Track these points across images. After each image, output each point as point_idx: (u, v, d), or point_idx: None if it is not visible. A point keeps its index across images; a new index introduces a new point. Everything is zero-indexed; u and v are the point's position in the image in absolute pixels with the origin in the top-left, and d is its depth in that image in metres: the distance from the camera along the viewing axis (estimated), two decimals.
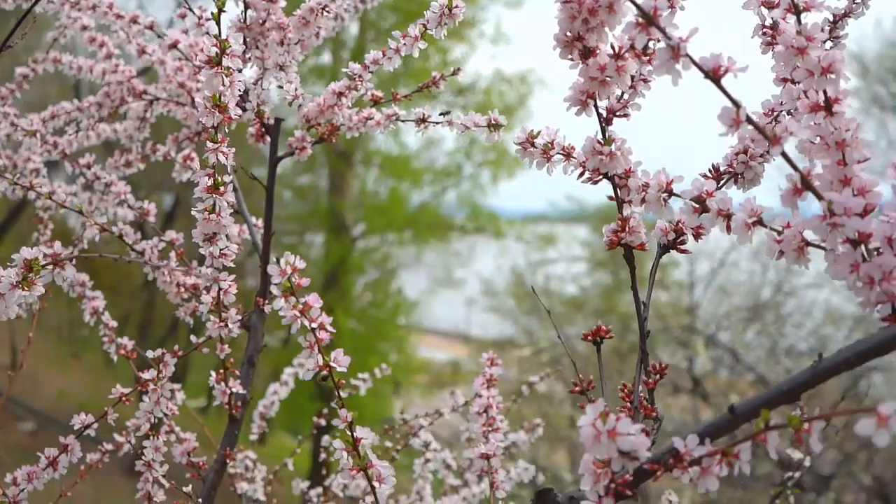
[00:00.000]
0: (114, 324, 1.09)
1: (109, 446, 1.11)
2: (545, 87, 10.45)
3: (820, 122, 0.54)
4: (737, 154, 0.68)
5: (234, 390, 0.97)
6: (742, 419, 0.51)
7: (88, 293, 1.11)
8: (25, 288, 0.67)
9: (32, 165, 1.27)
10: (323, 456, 1.44)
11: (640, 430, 0.50)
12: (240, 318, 0.91)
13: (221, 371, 0.95)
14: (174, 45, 1.05)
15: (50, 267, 0.66)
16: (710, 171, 0.69)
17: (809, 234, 0.55)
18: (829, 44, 0.71)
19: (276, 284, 0.61)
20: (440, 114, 0.94)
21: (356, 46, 9.48)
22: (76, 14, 1.20)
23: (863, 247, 0.53)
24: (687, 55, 0.50)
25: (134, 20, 1.09)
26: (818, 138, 0.54)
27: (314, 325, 0.62)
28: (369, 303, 11.69)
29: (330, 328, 0.62)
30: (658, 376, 0.64)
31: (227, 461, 0.99)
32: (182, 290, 1.02)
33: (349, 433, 0.65)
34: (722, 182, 0.69)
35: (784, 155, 0.51)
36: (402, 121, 0.97)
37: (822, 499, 5.33)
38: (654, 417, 0.62)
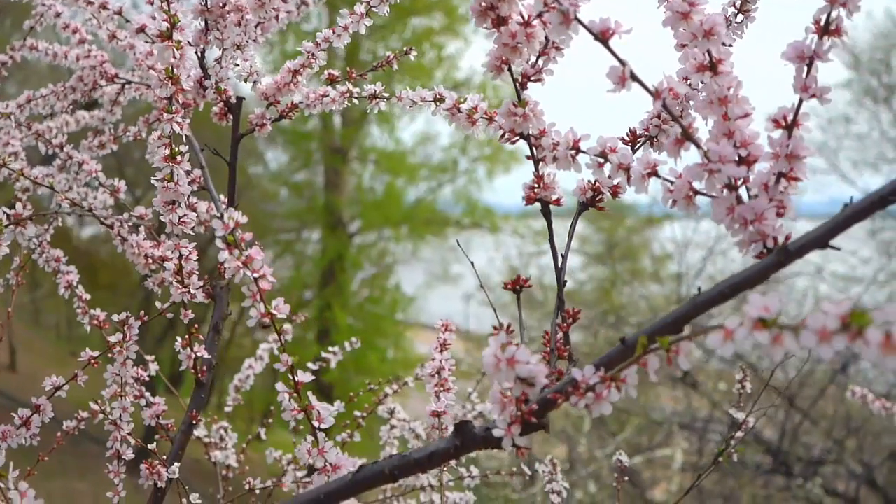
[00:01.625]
0: (87, 297, 1.14)
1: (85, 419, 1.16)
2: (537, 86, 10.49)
3: (706, 80, 0.59)
4: (651, 118, 0.73)
5: (199, 355, 1.02)
6: (632, 349, 0.56)
7: (63, 268, 1.16)
8: None
9: (11, 149, 1.32)
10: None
11: (537, 360, 0.56)
12: (202, 284, 0.96)
13: (187, 336, 1.01)
14: (142, 30, 1.10)
15: (12, 227, 0.71)
16: (627, 134, 0.74)
17: (698, 185, 0.60)
18: (740, 17, 0.76)
19: (219, 237, 0.66)
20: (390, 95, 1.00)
21: (350, 43, 9.52)
22: (50, 1, 1.25)
23: (744, 192, 0.58)
24: (576, 19, 0.55)
25: (103, 6, 1.14)
26: (704, 95, 0.59)
27: (257, 275, 0.67)
28: (366, 299, 11.74)
29: (271, 278, 0.67)
30: (571, 320, 0.69)
31: (194, 423, 1.04)
32: (150, 261, 1.08)
33: (291, 377, 0.70)
34: (639, 144, 0.74)
35: (665, 108, 0.56)
36: (357, 97, 1.02)
37: (810, 484, 5.39)
38: (569, 357, 0.67)
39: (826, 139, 9.05)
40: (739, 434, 1.10)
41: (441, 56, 11.59)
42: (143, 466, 1.00)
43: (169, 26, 0.76)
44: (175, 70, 0.78)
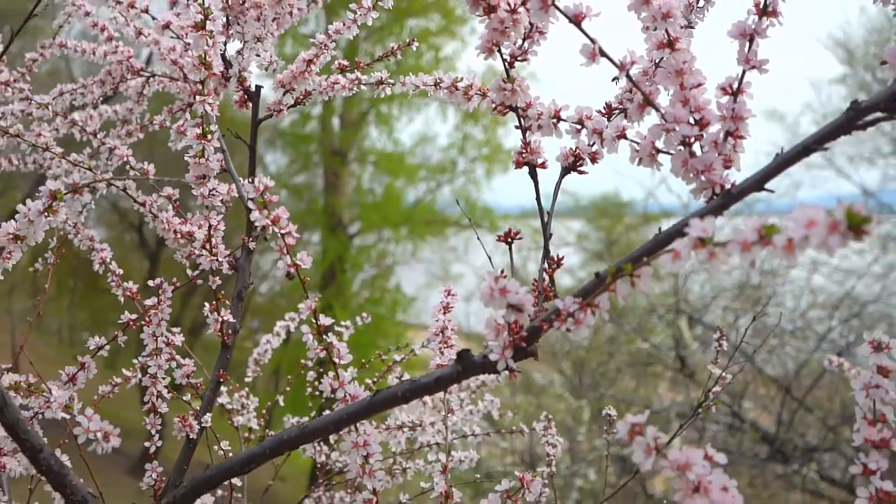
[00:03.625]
0: (120, 271, 1.25)
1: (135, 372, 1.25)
2: (537, 80, 10.60)
3: (665, 55, 0.70)
4: (624, 93, 0.84)
5: (225, 319, 1.13)
6: (604, 281, 0.67)
7: (97, 245, 1.27)
8: (50, 214, 0.83)
9: (42, 140, 1.43)
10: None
11: (525, 291, 0.66)
12: (228, 253, 1.07)
13: (214, 302, 1.12)
14: (167, 26, 1.21)
15: (70, 194, 0.82)
16: (603, 107, 0.85)
17: (659, 144, 0.71)
18: (701, 2, 0.87)
19: (251, 199, 0.77)
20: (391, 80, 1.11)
21: (349, 44, 9.64)
22: (80, 2, 1.36)
23: (698, 148, 0.69)
24: (554, 5, 0.66)
25: (131, 5, 1.25)
26: (663, 69, 0.70)
27: (283, 231, 0.78)
28: (367, 300, 11.83)
29: (296, 234, 0.78)
30: (556, 265, 0.80)
31: (221, 381, 1.15)
32: (178, 236, 1.18)
33: (314, 321, 0.81)
34: (613, 116, 0.85)
35: (629, 78, 0.67)
36: (364, 84, 1.13)
37: (806, 470, 5.50)
38: (554, 297, 0.78)
39: None
40: (717, 388, 1.21)
41: (438, 57, 11.70)
42: (176, 419, 1.11)
43: (203, 18, 0.87)
44: (207, 57, 0.88)
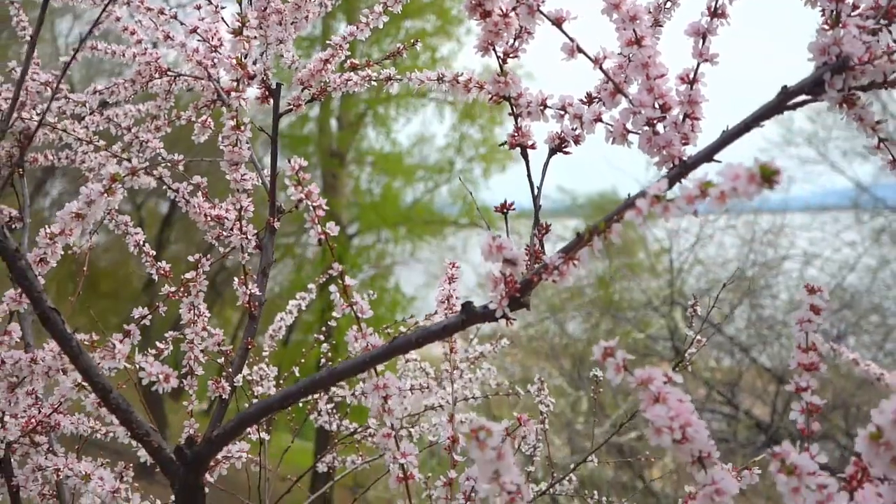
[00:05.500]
0: (153, 252, 1.39)
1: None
2: (533, 79, 10.75)
3: (633, 51, 0.84)
4: (601, 84, 0.98)
5: (252, 292, 1.26)
6: (582, 238, 0.80)
7: (131, 230, 1.40)
8: (110, 194, 0.96)
9: (83, 134, 1.57)
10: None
11: (519, 247, 0.80)
12: (256, 232, 1.21)
13: (243, 276, 1.25)
14: (194, 31, 1.34)
15: (129, 176, 0.95)
16: (585, 96, 0.99)
17: (629, 125, 0.85)
18: (668, 3, 1.01)
19: (287, 176, 0.90)
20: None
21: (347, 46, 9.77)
22: (112, 8, 1.49)
23: (661, 128, 0.83)
24: (539, 10, 0.80)
25: (161, 12, 1.39)
26: (631, 62, 0.84)
27: (314, 204, 0.92)
28: (366, 300, 11.96)
29: (325, 207, 0.92)
30: (545, 231, 0.94)
31: (249, 347, 1.28)
32: (208, 219, 1.32)
33: (341, 282, 0.94)
34: (594, 103, 0.98)
35: (602, 70, 0.80)
36: (374, 80, 1.27)
37: None
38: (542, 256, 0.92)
39: (816, 129, 9.27)
40: (692, 350, 1.35)
41: (435, 58, 11.84)
42: (210, 382, 1.24)
43: (240, 25, 1.00)
44: (243, 58, 1.02)
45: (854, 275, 8.07)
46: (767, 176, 0.57)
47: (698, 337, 1.36)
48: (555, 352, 7.78)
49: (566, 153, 0.98)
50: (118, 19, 1.51)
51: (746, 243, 7.90)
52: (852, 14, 0.76)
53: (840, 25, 0.73)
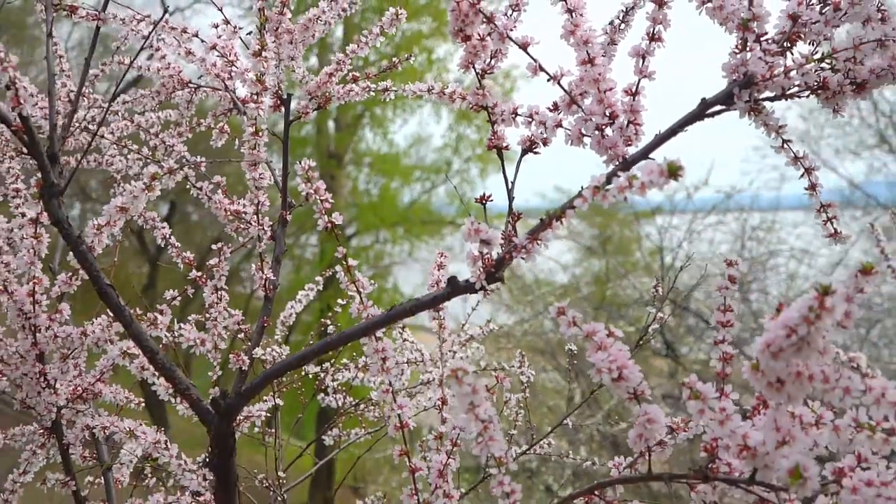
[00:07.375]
0: (178, 245, 1.57)
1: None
2: (529, 82, 10.93)
3: (587, 69, 1.02)
4: (561, 95, 1.16)
5: (268, 276, 1.44)
6: (545, 222, 0.98)
7: (158, 224, 1.58)
8: (150, 190, 1.14)
9: (114, 138, 1.75)
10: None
11: (495, 231, 0.98)
12: (271, 223, 1.39)
13: (259, 263, 1.43)
14: (213, 47, 1.52)
15: (167, 174, 1.13)
16: (552, 104, 1.17)
17: (584, 130, 1.03)
18: (623, 25, 1.19)
19: (299, 175, 1.08)
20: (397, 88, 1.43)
21: (341, 49, 9.97)
22: (137, 27, 1.67)
23: (610, 132, 1.01)
24: (508, 37, 0.98)
25: (184, 30, 1.57)
26: (584, 79, 1.02)
27: (322, 198, 1.10)
28: None
29: (331, 200, 1.10)
30: (517, 217, 1.12)
31: (265, 325, 1.46)
32: (227, 213, 1.50)
33: (345, 262, 1.12)
34: (560, 112, 1.16)
35: (560, 85, 0.99)
36: (374, 91, 1.45)
37: None
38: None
39: (808, 128, 9.43)
40: (655, 326, 1.53)
41: (431, 59, 12.02)
42: (231, 356, 1.42)
43: (260, 48, 1.18)
44: (262, 76, 1.20)
45: (842, 270, 8.26)
46: (673, 171, 0.75)
47: (660, 314, 1.53)
48: (550, 347, 7.96)
49: (536, 153, 1.16)
50: (145, 38, 1.69)
51: (738, 238, 8.10)
52: (762, 38, 0.94)
53: (747, 49, 0.91)
